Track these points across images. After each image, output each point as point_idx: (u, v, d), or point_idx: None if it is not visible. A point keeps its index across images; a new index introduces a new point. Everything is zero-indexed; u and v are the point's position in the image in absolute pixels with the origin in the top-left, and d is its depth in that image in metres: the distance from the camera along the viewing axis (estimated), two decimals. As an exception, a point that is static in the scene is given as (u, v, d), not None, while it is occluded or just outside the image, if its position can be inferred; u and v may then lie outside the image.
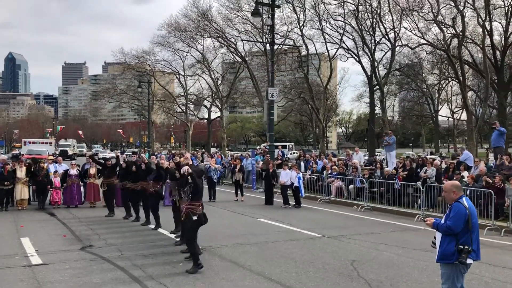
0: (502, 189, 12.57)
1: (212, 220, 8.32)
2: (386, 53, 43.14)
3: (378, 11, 38.97)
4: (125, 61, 55.80)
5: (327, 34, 41.82)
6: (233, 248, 9.47)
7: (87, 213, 14.37)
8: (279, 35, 39.97)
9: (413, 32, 38.11)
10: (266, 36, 39.14)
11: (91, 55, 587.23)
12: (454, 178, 13.09)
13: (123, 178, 13.07)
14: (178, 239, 9.95)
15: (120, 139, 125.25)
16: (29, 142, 54.44)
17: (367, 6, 39.20)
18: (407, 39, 40.63)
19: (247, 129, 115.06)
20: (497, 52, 36.69)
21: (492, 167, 16.58)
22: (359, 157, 21.50)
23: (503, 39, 37.61)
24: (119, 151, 48.30)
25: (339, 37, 41.96)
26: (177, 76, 56.44)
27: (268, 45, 33.21)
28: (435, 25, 35.90)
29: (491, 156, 21.48)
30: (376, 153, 38.39)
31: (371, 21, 40.11)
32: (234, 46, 45.80)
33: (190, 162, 8.13)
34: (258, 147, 45.68)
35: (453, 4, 33.15)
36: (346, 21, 40.68)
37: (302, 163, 21.82)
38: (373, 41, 41.07)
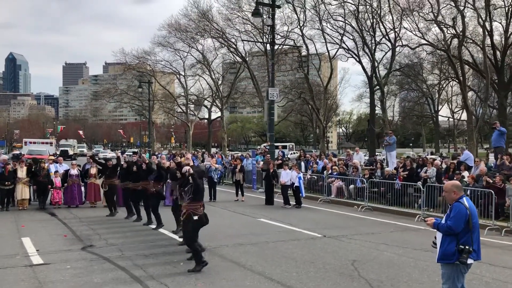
0: (502, 189, 12.58)
1: (212, 220, 8.33)
2: (386, 53, 43.18)
3: (379, 11, 38.97)
4: (126, 61, 55.84)
5: (328, 34, 41.85)
6: (234, 248, 9.48)
7: (88, 213, 14.38)
8: (280, 35, 39.99)
9: (414, 32, 38.14)
10: (267, 36, 39.15)
11: (91, 55, 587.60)
12: (455, 178, 13.09)
13: (124, 178, 13.09)
14: (181, 239, 9.96)
15: (121, 139, 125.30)
16: (30, 142, 54.47)
17: (368, 6, 39.21)
18: (407, 39, 40.67)
19: (247, 129, 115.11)
20: (498, 52, 36.66)
21: (492, 167, 16.58)
22: (360, 157, 21.52)
23: (503, 39, 37.59)
24: (119, 151, 48.35)
25: (340, 37, 41.98)
26: (178, 76, 56.47)
27: (268, 45, 33.22)
28: (435, 25, 35.90)
29: (491, 156, 21.49)
30: (377, 153, 38.40)
31: (372, 21, 40.11)
32: (234, 46, 45.82)
33: (192, 163, 8.14)
34: (259, 147, 45.70)
35: (454, 4, 33.14)
36: (346, 21, 40.70)
37: (302, 163, 21.83)
38: (373, 41, 41.07)
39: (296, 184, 16.23)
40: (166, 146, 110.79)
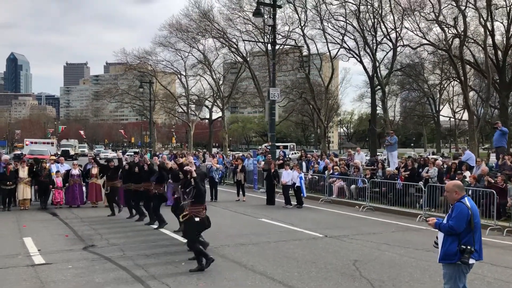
0: (504, 189, 12.56)
1: (214, 220, 8.33)
2: (387, 53, 43.15)
3: (380, 11, 38.97)
4: (127, 61, 55.88)
5: (329, 34, 41.85)
6: (235, 248, 9.48)
7: (89, 213, 14.40)
8: (281, 35, 40.02)
9: (415, 32, 38.12)
10: (268, 36, 39.15)
11: (92, 56, 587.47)
12: (456, 178, 13.06)
13: (126, 180, 13.09)
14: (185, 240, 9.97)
15: (122, 139, 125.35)
16: (31, 142, 54.51)
17: (369, 6, 39.21)
18: (408, 39, 40.63)
19: (248, 129, 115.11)
20: (499, 52, 36.61)
21: (492, 167, 16.56)
22: (361, 157, 21.51)
23: (505, 39, 37.54)
24: (120, 151, 48.39)
25: (341, 37, 41.99)
26: (179, 76, 56.51)
27: (269, 45, 33.20)
28: (436, 25, 35.87)
29: (492, 156, 21.46)
30: (378, 153, 38.39)
31: (373, 21, 40.10)
32: (235, 46, 45.85)
33: (194, 167, 8.14)
34: (260, 147, 45.70)
35: (455, 4, 33.10)
36: (347, 21, 40.70)
37: (303, 163, 21.82)
38: (374, 41, 41.06)
39: (297, 184, 16.22)
40: (167, 146, 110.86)
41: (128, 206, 13.30)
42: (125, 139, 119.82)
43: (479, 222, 5.26)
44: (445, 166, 16.80)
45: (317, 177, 19.49)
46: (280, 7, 29.78)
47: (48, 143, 57.13)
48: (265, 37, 40.62)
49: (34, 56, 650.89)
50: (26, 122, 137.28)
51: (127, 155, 30.33)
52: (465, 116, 55.57)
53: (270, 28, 29.65)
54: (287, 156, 29.29)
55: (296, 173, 16.53)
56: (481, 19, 32.94)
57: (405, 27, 38.91)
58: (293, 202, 16.27)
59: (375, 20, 39.81)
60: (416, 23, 37.09)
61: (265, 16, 30.71)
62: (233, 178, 22.27)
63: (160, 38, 51.49)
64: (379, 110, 49.13)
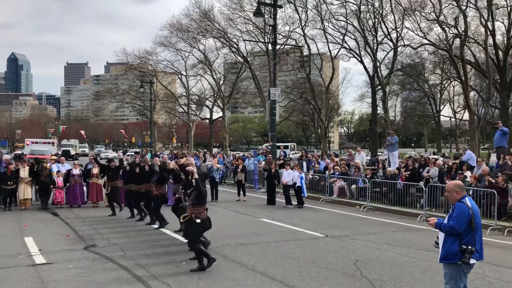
0: (505, 189, 12.56)
1: (214, 220, 8.33)
2: (388, 53, 43.15)
3: (380, 11, 38.95)
4: (127, 61, 55.88)
5: (329, 34, 41.85)
6: (236, 247, 9.48)
7: (90, 213, 14.40)
8: (281, 35, 40.00)
9: (415, 32, 38.10)
10: (268, 36, 39.14)
11: (93, 56, 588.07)
12: (457, 178, 13.06)
13: (127, 181, 13.08)
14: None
15: (122, 139, 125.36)
16: (32, 142, 54.57)
17: (369, 6, 39.20)
18: (409, 39, 40.61)
19: (249, 129, 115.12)
20: (500, 52, 36.61)
21: (493, 167, 16.55)
22: (362, 157, 21.50)
23: (505, 39, 37.52)
24: (121, 151, 48.41)
25: (341, 37, 41.99)
26: (179, 76, 56.52)
27: (270, 45, 33.19)
28: (437, 25, 35.85)
29: (493, 156, 21.44)
30: (378, 153, 38.38)
31: (373, 21, 40.08)
32: (236, 46, 45.85)
33: (195, 168, 8.14)
34: (260, 147, 45.71)
35: (456, 4, 33.09)
36: (348, 21, 40.69)
37: (304, 163, 21.82)
38: (375, 41, 41.06)
39: (298, 184, 16.22)
40: (167, 146, 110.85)
41: (129, 206, 13.31)
42: (125, 139, 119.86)
43: (480, 222, 5.26)
44: (446, 166, 16.80)
45: (317, 177, 19.49)
46: (280, 7, 29.78)
47: (48, 143, 57.18)
48: (266, 37, 40.63)
49: (35, 56, 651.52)
50: (26, 122, 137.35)
51: (128, 155, 30.36)
52: (466, 116, 55.66)
53: (270, 28, 29.64)
54: (287, 156, 29.29)
55: (297, 173, 16.53)
56: (482, 19, 32.92)
57: (406, 27, 38.95)
58: (294, 202, 16.27)
59: (376, 20, 39.81)
60: (417, 23, 37.10)
61: (266, 16, 30.72)
62: (234, 178, 22.26)
63: (161, 38, 51.56)
64: (380, 110, 49.11)
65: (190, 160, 9.78)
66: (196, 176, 7.80)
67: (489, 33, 33.48)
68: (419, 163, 17.37)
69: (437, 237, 5.38)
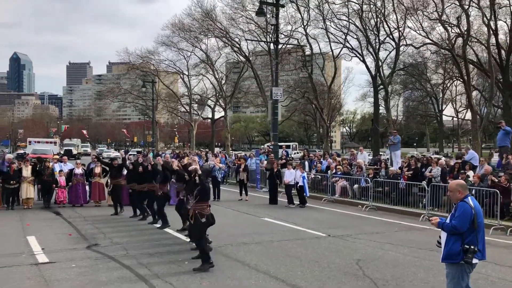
0: (508, 188, 12.53)
1: (216, 219, 8.33)
2: (390, 52, 43.07)
3: (383, 11, 38.89)
4: (130, 61, 55.95)
5: (331, 33, 41.81)
6: (238, 247, 9.48)
7: (93, 212, 14.43)
8: (283, 34, 39.97)
9: (418, 31, 38.02)
10: (270, 35, 39.18)
11: (95, 55, 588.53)
12: (459, 178, 13.04)
13: (130, 180, 13.10)
14: (188, 239, 9.99)
15: (124, 139, 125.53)
16: (34, 142, 54.71)
17: (372, 6, 39.13)
18: (411, 39, 40.56)
19: (250, 128, 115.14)
20: (502, 52, 36.49)
21: (494, 166, 16.52)
22: (364, 156, 21.47)
23: (508, 38, 37.38)
24: (123, 150, 48.49)
25: (343, 37, 41.95)
26: (181, 75, 56.57)
27: (272, 44, 33.23)
28: (439, 24, 35.78)
29: (495, 156, 21.41)
30: (380, 153, 38.32)
31: (375, 20, 40.03)
32: (238, 45, 45.87)
33: (198, 166, 8.17)
34: (262, 146, 45.72)
35: (458, 3, 33.01)
36: (350, 21, 40.63)
37: (306, 163, 21.82)
38: (377, 40, 41.01)
39: (300, 183, 16.21)
40: (169, 146, 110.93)
41: (132, 205, 13.33)
42: (127, 138, 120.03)
43: (482, 221, 5.25)
44: (447, 166, 16.76)
45: (320, 177, 19.48)
46: (282, 6, 29.77)
47: (51, 142, 57.32)
48: (268, 36, 40.65)
49: (37, 55, 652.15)
50: (29, 122, 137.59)
51: (130, 154, 30.40)
52: (468, 115, 55.61)
53: (272, 27, 29.64)
54: (289, 156, 29.27)
55: (299, 172, 16.52)
56: (485, 19, 32.85)
57: (408, 27, 38.90)
58: (296, 201, 16.27)
59: (378, 19, 39.75)
60: (419, 22, 37.03)
61: (268, 16, 30.72)
62: (236, 177, 22.27)
63: (163, 37, 51.67)
64: (382, 110, 49.12)
65: (193, 157, 9.78)
66: (199, 172, 7.83)
67: (491, 32, 33.40)
68: (422, 162, 17.35)
69: (439, 237, 5.38)
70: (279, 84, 26.68)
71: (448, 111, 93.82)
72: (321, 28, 41.71)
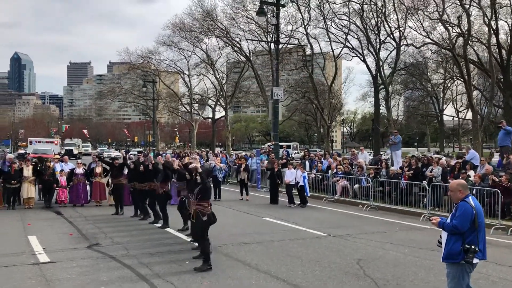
0: (509, 188, 12.52)
1: (217, 219, 8.33)
2: (391, 52, 43.10)
3: (383, 10, 38.90)
4: (130, 60, 56.04)
5: (332, 33, 41.84)
6: (239, 246, 9.49)
7: (93, 211, 14.44)
8: (284, 34, 40.00)
9: (418, 31, 38.05)
10: (271, 35, 39.19)
11: (96, 55, 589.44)
12: (460, 177, 13.04)
13: (131, 179, 13.12)
14: (189, 239, 10.00)
15: (125, 139, 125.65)
16: (35, 141, 54.75)
17: (372, 5, 39.15)
18: (412, 38, 40.59)
19: (251, 128, 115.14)
20: (503, 51, 36.49)
21: (495, 166, 16.51)
22: (365, 156, 21.47)
23: (509, 38, 37.42)
24: (123, 150, 48.54)
25: (344, 36, 41.98)
26: (182, 75, 56.62)
27: (272, 44, 33.24)
28: (440, 24, 35.79)
29: (496, 156, 21.39)
30: (381, 153, 38.33)
31: (376, 20, 40.04)
32: (238, 45, 45.90)
33: (199, 164, 8.19)
34: (263, 146, 45.73)
35: (459, 3, 33.02)
36: (351, 20, 40.67)
37: (307, 162, 21.82)
38: (378, 40, 41.03)
39: (301, 183, 16.21)
40: (170, 146, 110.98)
41: (134, 205, 13.34)
42: (128, 138, 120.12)
43: (483, 221, 5.24)
44: (448, 165, 16.75)
45: (320, 176, 19.48)
46: (283, 6, 29.78)
47: (51, 142, 57.34)
48: (268, 36, 40.67)
49: (38, 55, 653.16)
50: (29, 122, 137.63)
51: (131, 154, 30.42)
52: (469, 115, 55.58)
53: (273, 27, 29.64)
54: (290, 156, 29.28)
55: (300, 172, 16.52)
56: (485, 18, 32.84)
57: (409, 26, 38.94)
58: (297, 201, 16.27)
59: (379, 19, 39.77)
60: (420, 22, 37.05)
61: (268, 15, 30.71)
62: (237, 177, 22.30)
63: (164, 37, 51.72)
64: (383, 109, 49.13)
65: (194, 156, 9.80)
66: (200, 170, 7.84)
67: (492, 32, 33.40)
68: (422, 162, 17.34)
69: (440, 236, 5.38)
70: (280, 84, 26.69)
71: (449, 111, 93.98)
72: (322, 28, 41.77)
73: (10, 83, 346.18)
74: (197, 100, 59.05)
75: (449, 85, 62.33)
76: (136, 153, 30.73)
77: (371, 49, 41.18)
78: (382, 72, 42.39)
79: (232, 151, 52.15)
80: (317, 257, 8.63)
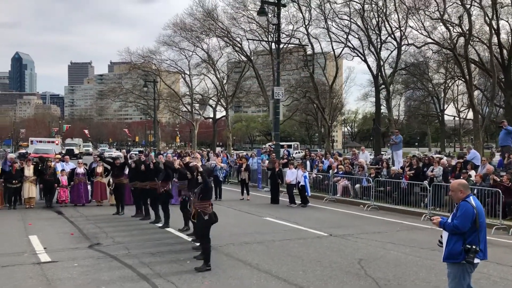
0: (510, 188, 12.50)
1: (218, 219, 8.33)
2: (392, 52, 43.09)
3: (384, 10, 38.91)
4: (131, 60, 56.10)
5: (333, 33, 41.84)
6: (240, 246, 9.49)
7: (94, 211, 14.45)
8: (285, 34, 40.03)
9: (419, 31, 38.04)
10: (272, 35, 39.22)
11: (96, 55, 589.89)
12: (461, 177, 13.02)
13: (132, 178, 13.13)
14: (189, 238, 10.00)
15: (126, 138, 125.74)
16: (36, 141, 54.79)
17: (373, 5, 39.13)
18: (413, 38, 40.58)
19: (252, 128, 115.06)
20: (504, 51, 36.48)
21: (495, 166, 16.48)
22: (365, 156, 21.45)
23: (510, 37, 37.49)
24: (124, 150, 48.55)
25: (345, 36, 41.98)
26: (183, 75, 56.66)
27: (273, 44, 33.25)
28: (441, 24, 35.77)
29: (497, 155, 21.35)
30: (382, 152, 38.31)
31: (377, 20, 40.04)
32: (239, 45, 45.94)
33: (200, 163, 8.20)
34: (264, 146, 45.73)
35: (460, 3, 33.01)
36: (352, 20, 40.67)
37: (308, 162, 21.82)
38: (379, 40, 41.03)
39: (302, 183, 16.21)
40: (171, 145, 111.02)
41: (136, 205, 13.35)
42: (129, 138, 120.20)
43: (484, 221, 5.23)
44: (449, 165, 16.73)
45: (321, 176, 19.48)
46: (284, 6, 29.77)
47: (52, 142, 57.37)
48: (269, 36, 40.68)
49: (39, 55, 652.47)
50: (31, 121, 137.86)
51: (132, 153, 30.43)
52: (470, 115, 55.57)
53: (274, 27, 29.67)
54: (291, 155, 29.28)
55: (301, 172, 16.52)
56: (486, 18, 32.83)
57: (410, 26, 38.95)
58: (298, 201, 16.27)
59: (380, 19, 39.76)
60: (421, 22, 37.04)
61: (269, 15, 30.71)
62: (238, 177, 22.30)
63: (164, 37, 51.85)
64: (384, 109, 49.15)
65: (196, 155, 9.81)
66: (201, 169, 7.84)
67: (493, 31, 33.38)
68: (423, 162, 17.32)
69: (441, 236, 5.37)
70: (281, 83, 26.70)
71: (450, 110, 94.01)
72: (323, 28, 41.77)
73: (11, 83, 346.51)
74: (198, 100, 59.08)
75: (450, 85, 62.31)
76: (137, 153, 30.76)
77: (372, 49, 41.17)
78: (383, 72, 42.38)
79: (233, 151, 52.15)
80: (318, 257, 8.63)
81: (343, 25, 41.51)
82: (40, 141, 55.27)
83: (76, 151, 56.95)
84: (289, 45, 42.68)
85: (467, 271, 5.16)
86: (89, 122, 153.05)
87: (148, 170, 12.56)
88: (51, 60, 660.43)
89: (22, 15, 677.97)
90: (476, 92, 50.08)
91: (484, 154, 27.69)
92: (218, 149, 51.06)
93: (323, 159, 21.92)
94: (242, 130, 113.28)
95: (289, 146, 47.70)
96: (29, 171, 15.15)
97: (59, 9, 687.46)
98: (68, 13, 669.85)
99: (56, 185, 15.38)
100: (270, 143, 27.90)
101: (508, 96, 36.79)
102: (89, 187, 16.09)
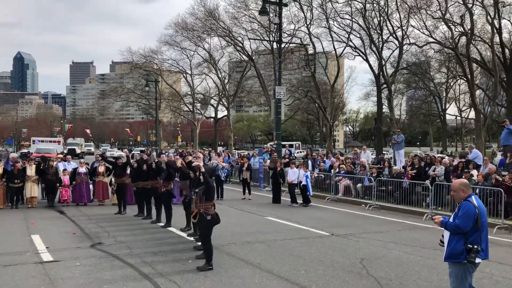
0: (512, 187, 12.49)
1: (220, 218, 8.34)
2: (393, 51, 42.95)
3: (386, 9, 38.78)
4: (133, 60, 56.05)
5: (334, 32, 41.72)
6: (242, 246, 9.50)
7: (96, 210, 14.48)
8: (286, 33, 39.94)
9: (421, 30, 37.93)
10: (273, 34, 39.18)
11: (98, 54, 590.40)
12: (463, 177, 13.00)
13: (135, 178, 13.14)
14: (191, 238, 10.00)
15: (128, 138, 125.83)
16: (38, 141, 54.88)
17: (375, 5, 39.04)
18: (414, 37, 40.43)
19: (253, 128, 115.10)
20: (506, 50, 36.38)
21: (496, 166, 16.46)
22: (367, 155, 21.47)
23: (512, 37, 37.32)
24: (126, 149, 48.61)
25: (346, 36, 41.85)
26: (184, 75, 56.62)
27: (275, 43, 33.20)
28: (443, 23, 35.69)
29: (498, 155, 21.34)
30: (384, 152, 38.28)
31: (379, 19, 39.92)
32: (241, 45, 45.89)
33: (202, 163, 8.19)
34: (265, 145, 45.72)
35: (462, 2, 32.93)
36: (353, 20, 40.55)
37: (309, 162, 21.82)
38: (380, 39, 40.89)
39: (304, 182, 16.21)
40: (172, 145, 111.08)
41: (138, 204, 13.37)
42: (131, 137, 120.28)
43: (486, 221, 5.22)
44: (450, 165, 16.71)
45: (323, 176, 19.48)
46: (285, 5, 29.73)
47: (54, 141, 57.46)
48: (271, 35, 40.61)
49: (41, 55, 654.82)
50: (32, 121, 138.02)
51: (135, 153, 30.44)
52: (472, 114, 55.36)
53: (275, 26, 29.64)
54: (292, 155, 29.28)
55: (302, 171, 16.52)
56: (488, 17, 32.72)
57: (411, 25, 38.75)
58: (299, 200, 16.27)
59: (381, 18, 39.64)
60: (423, 21, 36.93)
61: (271, 15, 30.67)
62: (239, 176, 22.31)
63: (166, 37, 51.74)
64: (385, 109, 48.96)
65: (198, 155, 9.79)
66: (203, 169, 7.85)
67: (495, 31, 33.27)
68: (425, 161, 17.30)
69: (442, 235, 5.36)
70: (282, 83, 26.69)
71: (452, 110, 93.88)
72: (324, 27, 41.64)
73: (13, 83, 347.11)
74: (199, 99, 59.06)
75: (452, 84, 62.18)
76: (139, 152, 30.79)
77: (374, 48, 41.07)
78: (385, 71, 42.26)
79: (234, 150, 52.16)
80: (320, 256, 8.64)
81: (344, 25, 41.43)
82: (42, 141, 55.38)
83: (78, 151, 57.01)
84: (291, 45, 42.58)
85: (468, 271, 5.16)
86: (91, 121, 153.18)
87: (150, 169, 12.58)
88: (52, 60, 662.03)
89: (22, 15, 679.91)
90: (478, 92, 49.92)
91: (486, 153, 27.66)
92: (219, 149, 51.07)
93: (324, 159, 21.93)
94: (243, 129, 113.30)
95: (291, 146, 47.74)
96: (31, 170, 15.18)
97: (59, 9, 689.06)
98: (69, 13, 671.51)
99: (58, 184, 15.41)
100: (271, 143, 27.89)
101: (510, 96, 36.69)
102: (91, 186, 16.13)
